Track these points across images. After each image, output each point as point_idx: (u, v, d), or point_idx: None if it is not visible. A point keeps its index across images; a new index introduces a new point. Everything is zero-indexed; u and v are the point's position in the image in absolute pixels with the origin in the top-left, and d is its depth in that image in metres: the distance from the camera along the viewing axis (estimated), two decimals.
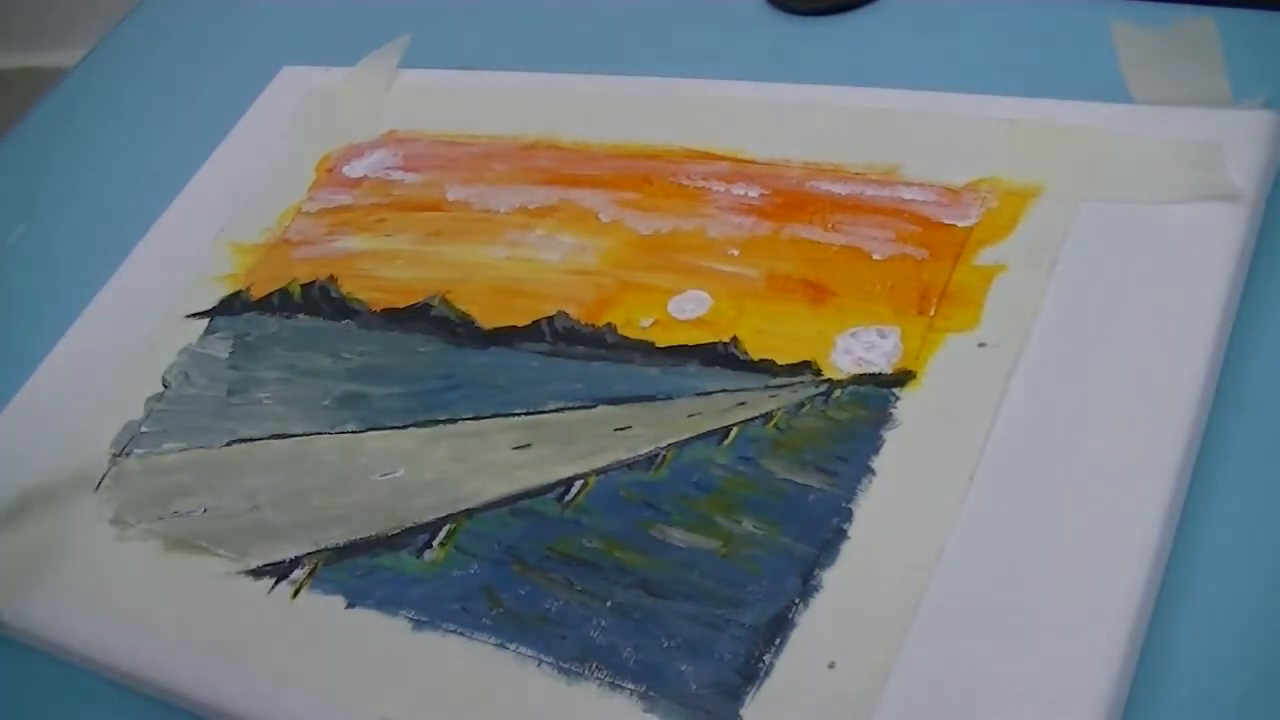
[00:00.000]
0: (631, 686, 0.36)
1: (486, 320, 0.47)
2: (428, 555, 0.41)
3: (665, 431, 0.41)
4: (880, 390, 0.39)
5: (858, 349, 0.41)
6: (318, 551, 0.42)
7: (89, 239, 0.58)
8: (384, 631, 0.39)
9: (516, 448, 0.42)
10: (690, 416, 0.41)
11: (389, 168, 0.54)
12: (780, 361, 0.41)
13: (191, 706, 0.41)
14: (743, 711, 0.34)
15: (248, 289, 0.52)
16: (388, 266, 0.50)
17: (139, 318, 0.52)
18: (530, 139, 0.53)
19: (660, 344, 0.43)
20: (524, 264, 0.48)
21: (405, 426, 0.45)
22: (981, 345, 0.39)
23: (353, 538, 0.42)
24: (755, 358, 0.42)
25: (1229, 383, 0.37)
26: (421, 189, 0.53)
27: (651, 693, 0.35)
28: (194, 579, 0.43)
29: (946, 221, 0.43)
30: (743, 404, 0.41)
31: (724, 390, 0.41)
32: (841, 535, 0.37)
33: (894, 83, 0.48)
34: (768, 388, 0.41)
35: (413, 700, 0.37)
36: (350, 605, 0.40)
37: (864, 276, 0.43)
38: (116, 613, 0.43)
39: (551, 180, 0.51)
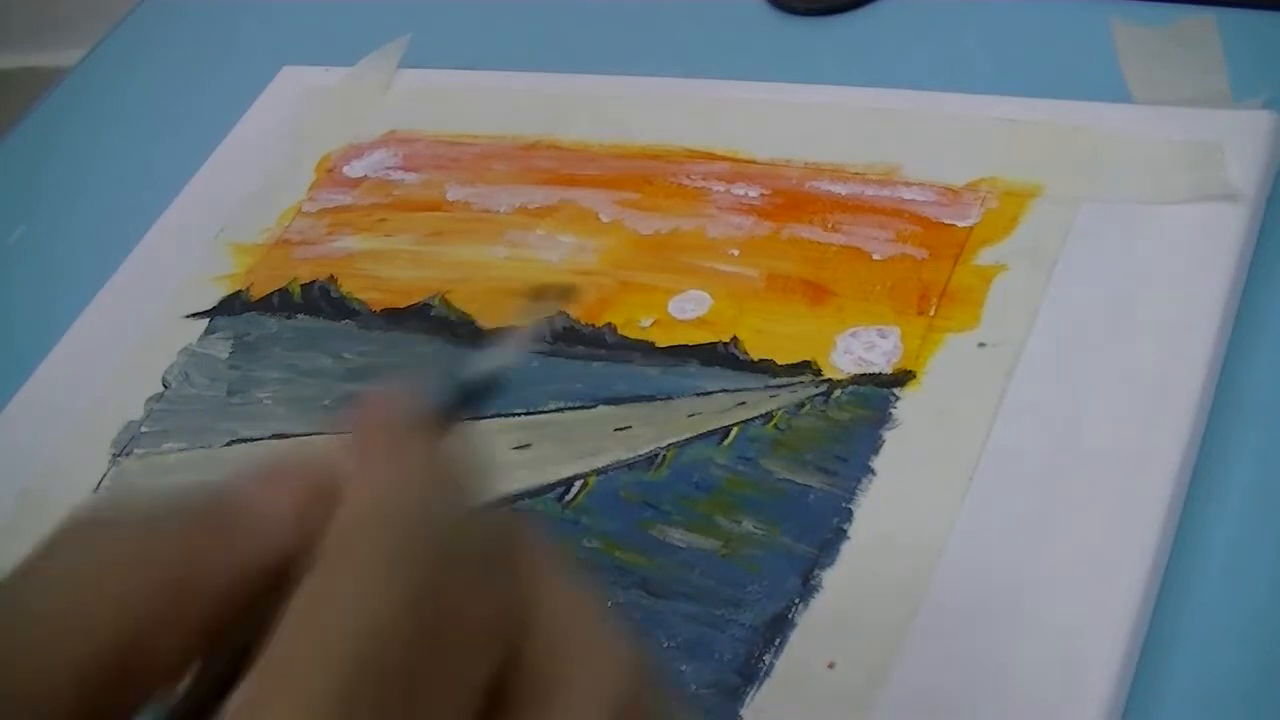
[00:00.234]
0: None
1: (486, 320, 0.47)
2: None
3: (665, 431, 0.41)
4: (880, 390, 0.39)
5: (858, 349, 0.41)
6: None
7: (89, 239, 0.58)
8: None
9: (516, 448, 0.42)
10: (690, 416, 0.41)
11: (389, 168, 0.54)
12: (780, 361, 0.41)
13: None
14: (743, 711, 0.34)
15: (248, 289, 0.52)
16: (388, 266, 0.50)
17: (139, 318, 0.52)
18: (530, 139, 0.53)
19: (660, 344, 0.43)
20: (524, 264, 0.48)
21: None
22: (981, 345, 0.39)
23: None
24: (755, 358, 0.42)
25: (1229, 383, 0.37)
26: (421, 189, 0.53)
27: None
28: None
29: (946, 221, 0.43)
30: (743, 404, 0.41)
31: (724, 390, 0.41)
32: (841, 535, 0.37)
33: (894, 83, 0.48)
34: (768, 388, 0.41)
35: None
36: None
37: (864, 276, 0.43)
38: None
39: (551, 180, 0.51)
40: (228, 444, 0.47)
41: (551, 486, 0.41)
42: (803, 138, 0.47)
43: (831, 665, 0.34)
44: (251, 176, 0.57)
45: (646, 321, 0.44)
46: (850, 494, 0.37)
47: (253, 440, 0.46)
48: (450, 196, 0.52)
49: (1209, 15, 0.42)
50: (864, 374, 0.40)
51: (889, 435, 0.38)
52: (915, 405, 0.39)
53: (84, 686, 0.20)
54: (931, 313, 0.41)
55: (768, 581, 0.36)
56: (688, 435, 0.41)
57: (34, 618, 0.20)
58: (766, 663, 0.35)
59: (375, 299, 0.49)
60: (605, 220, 0.48)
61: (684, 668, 0.35)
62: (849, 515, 0.37)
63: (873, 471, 0.38)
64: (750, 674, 0.35)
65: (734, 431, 0.40)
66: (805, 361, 0.41)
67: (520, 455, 0.42)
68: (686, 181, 0.48)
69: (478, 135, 0.54)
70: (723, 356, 0.42)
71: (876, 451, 0.38)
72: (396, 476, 0.21)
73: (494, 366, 0.25)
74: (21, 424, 0.50)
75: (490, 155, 0.53)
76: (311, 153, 0.57)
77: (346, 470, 0.21)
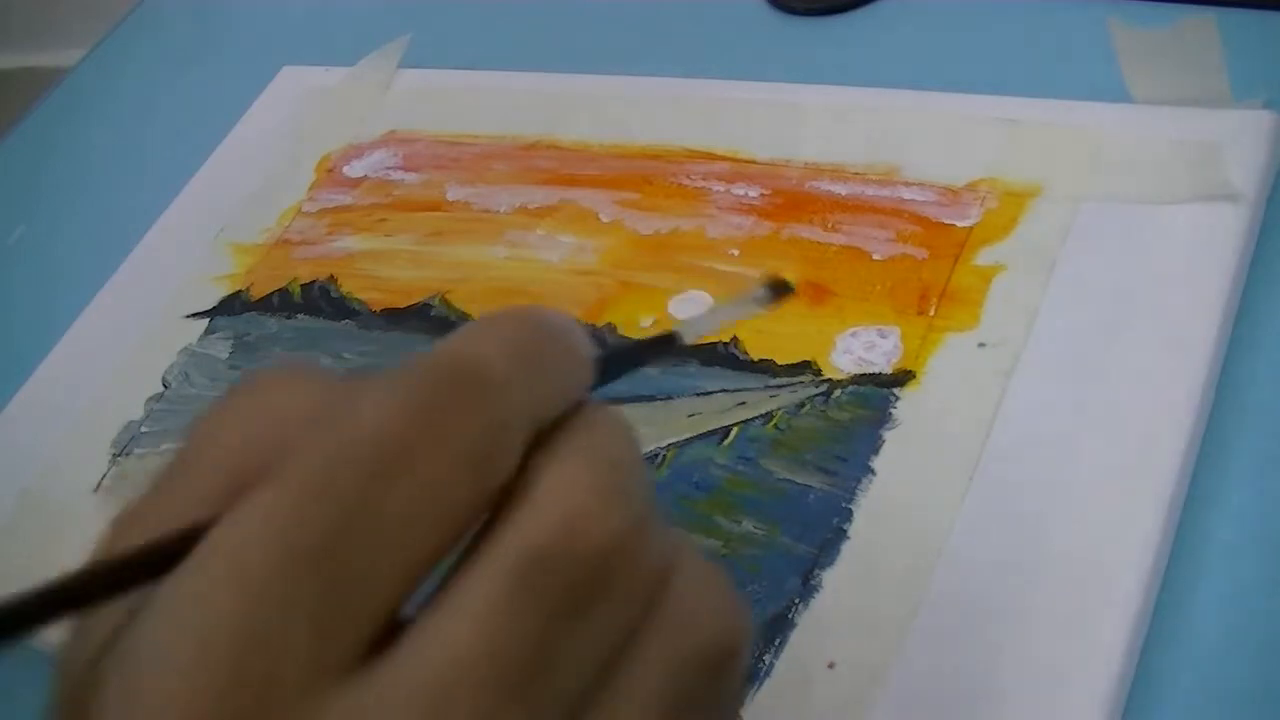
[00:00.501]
0: None
1: None
2: None
3: (665, 431, 0.41)
4: (880, 390, 0.39)
5: (858, 349, 0.41)
6: None
7: (89, 239, 0.58)
8: None
9: None
10: (690, 416, 0.41)
11: (389, 168, 0.54)
12: (780, 361, 0.41)
13: None
14: (743, 711, 0.34)
15: (248, 289, 0.52)
16: (388, 266, 0.50)
17: (139, 318, 0.52)
18: (530, 139, 0.53)
19: None
20: (524, 264, 0.48)
21: None
22: (981, 345, 0.39)
23: None
24: (755, 358, 0.42)
25: (1229, 383, 0.37)
26: (421, 189, 0.53)
27: None
28: None
29: (946, 221, 0.43)
30: (743, 404, 0.41)
31: (724, 390, 0.41)
32: (841, 535, 0.37)
33: (894, 83, 0.48)
34: (768, 388, 0.41)
35: None
36: None
37: (864, 276, 0.43)
38: None
39: (551, 180, 0.51)
40: None
41: None
42: (803, 138, 0.47)
43: (831, 665, 0.34)
44: (251, 176, 0.57)
45: (646, 321, 0.44)
46: (850, 494, 0.37)
47: None
48: (450, 196, 0.52)
49: (1209, 16, 0.42)
50: (864, 374, 0.40)
51: (889, 435, 0.38)
52: (915, 405, 0.39)
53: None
54: (931, 313, 0.41)
55: (767, 581, 0.36)
56: (687, 435, 0.41)
57: None
58: (766, 663, 0.35)
59: (375, 299, 0.49)
60: (605, 220, 0.48)
61: None
62: (849, 515, 0.37)
63: (873, 471, 0.38)
64: (750, 674, 0.35)
65: (734, 431, 0.40)
66: (805, 361, 0.41)
67: None
68: (686, 181, 0.48)
69: (478, 135, 0.54)
70: (722, 356, 0.42)
71: (876, 451, 0.38)
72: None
73: (691, 330, 0.27)
74: (21, 424, 0.50)
75: (490, 155, 0.53)
76: (311, 153, 0.57)
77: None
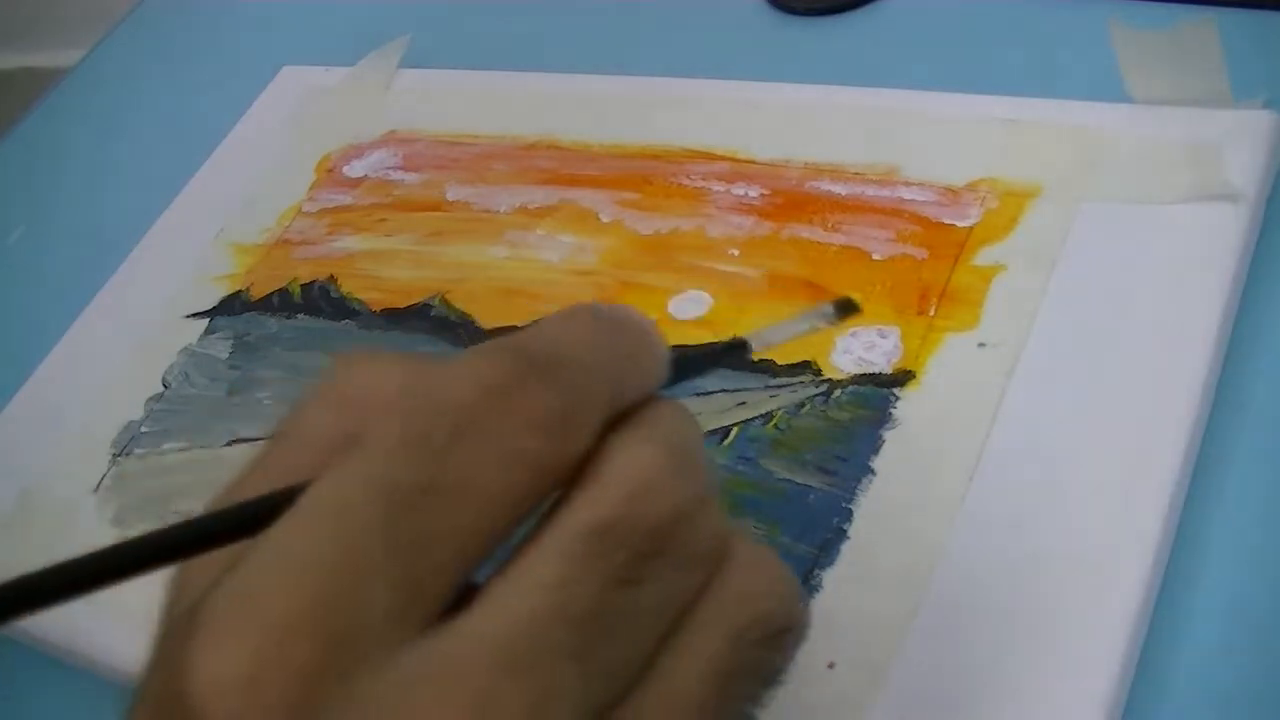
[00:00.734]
0: None
1: (486, 320, 0.47)
2: None
3: None
4: (880, 390, 0.39)
5: (858, 349, 0.41)
6: None
7: (89, 239, 0.58)
8: None
9: None
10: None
11: (389, 168, 0.54)
12: (780, 361, 0.41)
13: None
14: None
15: (248, 289, 0.52)
16: (388, 266, 0.50)
17: (139, 318, 0.52)
18: (530, 139, 0.53)
19: None
20: (524, 264, 0.48)
21: None
22: (981, 345, 0.39)
23: None
24: (755, 358, 0.42)
25: (1229, 383, 0.37)
26: (421, 189, 0.53)
27: None
28: None
29: (946, 221, 0.43)
30: (743, 404, 0.41)
31: (724, 390, 0.41)
32: (841, 535, 0.37)
33: (894, 83, 0.48)
34: (768, 388, 0.41)
35: None
36: None
37: (864, 276, 0.43)
38: (117, 613, 0.43)
39: (551, 180, 0.51)
40: (228, 444, 0.47)
41: None
42: (803, 138, 0.47)
43: (831, 665, 0.34)
44: (251, 176, 0.57)
45: None
46: (850, 494, 0.37)
47: (253, 440, 0.46)
48: (450, 196, 0.52)
49: (1209, 16, 0.42)
50: (864, 374, 0.40)
51: (889, 435, 0.38)
52: (915, 405, 0.39)
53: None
54: (931, 313, 0.41)
55: None
56: None
57: None
58: None
59: (375, 299, 0.49)
60: (605, 220, 0.48)
61: None
62: (849, 515, 0.37)
63: (873, 471, 0.38)
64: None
65: (734, 431, 0.40)
66: (805, 361, 0.41)
67: None
68: (686, 181, 0.48)
69: (478, 135, 0.54)
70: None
71: (876, 451, 0.38)
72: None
73: (759, 340, 0.29)
74: (21, 424, 0.50)
75: (490, 155, 0.53)
76: (311, 153, 0.57)
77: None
